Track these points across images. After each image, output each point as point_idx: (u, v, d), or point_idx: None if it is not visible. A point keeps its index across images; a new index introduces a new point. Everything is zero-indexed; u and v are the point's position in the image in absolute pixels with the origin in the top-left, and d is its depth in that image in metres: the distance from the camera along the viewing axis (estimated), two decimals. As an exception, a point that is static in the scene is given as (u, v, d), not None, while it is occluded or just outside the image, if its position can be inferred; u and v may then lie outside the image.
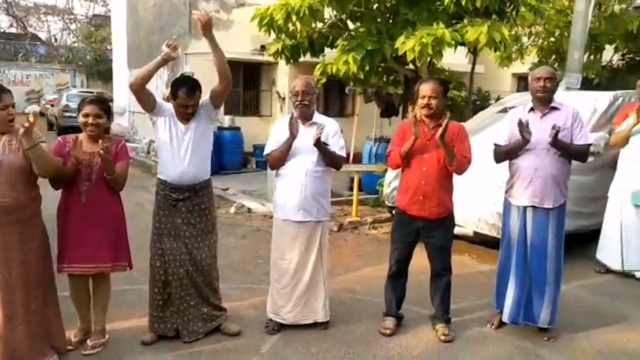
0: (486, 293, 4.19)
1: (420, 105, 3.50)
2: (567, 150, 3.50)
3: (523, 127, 3.42)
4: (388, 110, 8.94)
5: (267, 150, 3.63)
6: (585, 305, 4.33)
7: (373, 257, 5.29)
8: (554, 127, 3.36)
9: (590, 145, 3.65)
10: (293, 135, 3.42)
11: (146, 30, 13.85)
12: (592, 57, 10.08)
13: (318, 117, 3.64)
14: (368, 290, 4.41)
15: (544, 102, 3.61)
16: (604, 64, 10.41)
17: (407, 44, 6.15)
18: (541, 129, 3.49)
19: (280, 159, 3.54)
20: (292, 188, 3.50)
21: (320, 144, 3.40)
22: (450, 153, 3.37)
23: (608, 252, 5.08)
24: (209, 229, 3.54)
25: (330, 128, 3.59)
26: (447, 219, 3.61)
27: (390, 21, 7.18)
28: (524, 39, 10.59)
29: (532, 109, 3.67)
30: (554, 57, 10.61)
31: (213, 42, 3.27)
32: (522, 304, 3.69)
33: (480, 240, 5.50)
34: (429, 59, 6.90)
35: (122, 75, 15.77)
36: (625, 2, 9.89)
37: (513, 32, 9.87)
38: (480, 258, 5.44)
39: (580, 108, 5.71)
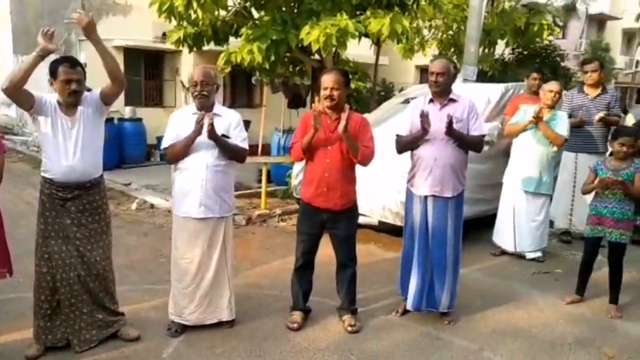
0: (391, 281, 4.28)
1: (323, 96, 3.47)
2: (462, 141, 3.63)
3: (423, 118, 3.50)
4: (295, 101, 8.91)
5: (165, 144, 3.42)
6: (481, 287, 4.56)
7: (282, 250, 5.23)
8: (448, 118, 3.47)
9: (484, 135, 3.81)
10: (198, 130, 3.25)
11: (34, 12, 12.72)
12: (486, 50, 10.67)
13: (219, 108, 3.51)
14: (275, 284, 4.35)
15: (440, 94, 3.72)
16: (496, 57, 11.08)
17: (311, 35, 6.13)
18: (440, 120, 3.57)
19: (182, 153, 3.36)
20: (192, 183, 3.34)
21: (214, 136, 3.27)
22: (354, 146, 3.39)
23: (502, 235, 5.39)
24: (102, 229, 3.29)
25: (231, 120, 3.47)
26: (351, 210, 3.63)
27: (295, 11, 7.12)
28: (425, 32, 11.01)
29: (431, 101, 3.77)
30: (452, 50, 11.13)
31: (99, 45, 2.99)
32: (425, 291, 3.80)
33: (386, 229, 5.64)
34: (334, 49, 6.93)
35: (8, 62, 14.42)
36: (514, -1, 10.57)
37: (414, 25, 10.22)
38: (385, 246, 5.57)
39: (476, 99, 6.04)
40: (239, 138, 3.44)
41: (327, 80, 3.44)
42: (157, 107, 11.54)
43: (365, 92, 9.31)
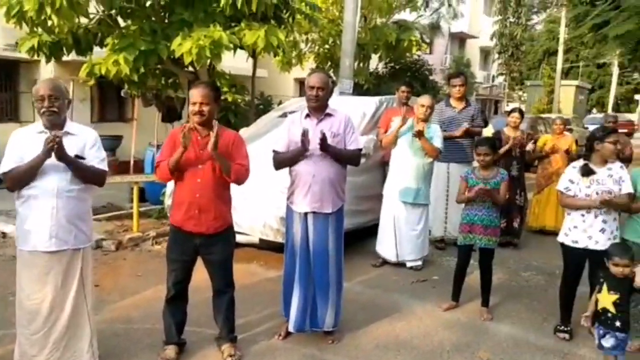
0: (274, 301, 4.12)
1: (192, 112, 3.23)
2: (339, 156, 3.59)
3: (304, 137, 3.40)
4: (170, 115, 8.46)
5: (5, 167, 2.91)
6: (363, 300, 4.56)
7: (155, 277, 4.82)
8: (321, 135, 3.40)
9: (361, 149, 3.79)
10: (48, 152, 2.82)
11: None
12: (361, 64, 11.04)
13: (71, 125, 3.10)
14: (147, 316, 3.97)
15: (318, 109, 3.65)
16: (371, 71, 11.52)
17: (183, 46, 5.83)
18: (316, 135, 3.49)
19: (26, 178, 2.89)
20: (41, 212, 2.90)
21: (64, 157, 2.87)
22: (226, 165, 3.18)
23: (385, 245, 5.47)
24: None
25: (87, 138, 3.09)
26: (227, 232, 3.40)
27: (166, 21, 6.76)
28: (302, 46, 11.10)
29: (308, 115, 3.69)
30: (329, 63, 11.36)
31: None
32: (308, 310, 3.69)
33: (268, 247, 5.47)
34: (208, 61, 6.68)
35: None
36: (385, 16, 11.04)
37: (291, 38, 10.25)
38: (267, 264, 5.40)
39: (352, 113, 6.12)
40: (96, 159, 3.07)
41: (196, 95, 3.20)
42: (12, 122, 10.36)
43: (244, 105, 9.13)
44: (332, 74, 10.52)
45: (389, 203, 5.41)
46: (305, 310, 3.67)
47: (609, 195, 3.57)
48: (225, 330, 3.47)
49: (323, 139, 3.39)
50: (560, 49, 25.13)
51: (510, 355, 3.69)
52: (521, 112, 6.36)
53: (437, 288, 4.91)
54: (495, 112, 32.19)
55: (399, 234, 5.37)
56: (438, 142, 5.20)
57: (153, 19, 6.69)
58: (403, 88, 6.09)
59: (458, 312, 4.38)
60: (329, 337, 3.74)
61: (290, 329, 3.68)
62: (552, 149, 6.76)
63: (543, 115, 16.73)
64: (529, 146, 6.06)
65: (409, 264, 5.42)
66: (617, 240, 3.69)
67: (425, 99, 5.24)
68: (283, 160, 3.65)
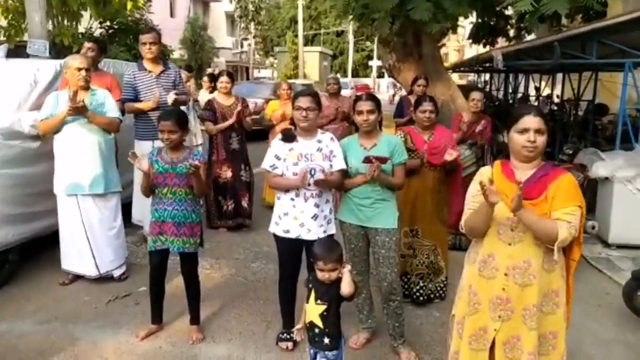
0: None
1: None
2: None
3: None
4: None
5: None
6: (27, 347, 3.20)
7: None
8: None
9: None
10: None
11: None
12: (66, 22, 9.03)
13: None
14: None
15: None
16: (82, 31, 9.54)
17: None
18: None
19: None
20: None
21: None
22: None
23: (77, 258, 4.10)
24: None
25: None
26: None
27: None
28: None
29: None
30: (26, 20, 9.03)
31: None
32: None
33: None
34: None
35: None
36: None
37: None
38: None
39: (19, 80, 4.52)
40: None
41: None
42: None
43: None
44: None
45: (68, 202, 4.02)
46: None
47: (321, 175, 2.88)
48: None
49: None
50: (300, 16, 25.88)
51: (219, 391, 2.83)
52: (230, 75, 5.50)
53: (142, 304, 3.78)
54: (248, 79, 32.04)
55: (92, 238, 4.06)
56: (114, 111, 4.03)
57: None
58: (87, 45, 4.71)
59: (161, 338, 3.36)
60: None
61: None
62: (282, 115, 6.15)
63: (288, 81, 16.82)
64: (248, 110, 5.27)
65: (116, 274, 4.19)
66: (332, 227, 3.07)
67: (78, 60, 3.93)
68: None
